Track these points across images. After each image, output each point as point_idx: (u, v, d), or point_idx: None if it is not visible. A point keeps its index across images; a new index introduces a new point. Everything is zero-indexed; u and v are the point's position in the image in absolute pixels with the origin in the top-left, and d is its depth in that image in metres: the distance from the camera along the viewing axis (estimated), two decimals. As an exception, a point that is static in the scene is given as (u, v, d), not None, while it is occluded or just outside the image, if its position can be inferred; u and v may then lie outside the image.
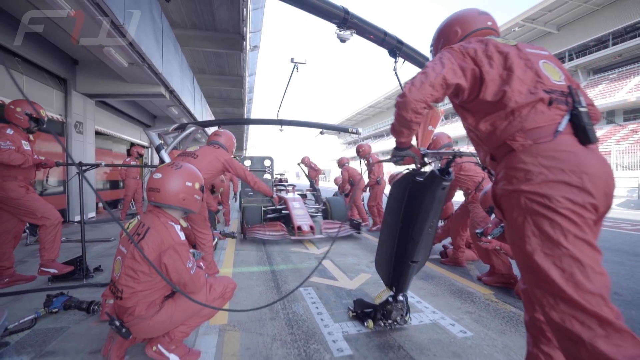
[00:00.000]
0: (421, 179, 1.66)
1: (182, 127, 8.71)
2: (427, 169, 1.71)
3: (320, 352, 1.77)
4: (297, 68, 6.00)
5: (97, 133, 8.20)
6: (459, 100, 1.14)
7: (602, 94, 23.60)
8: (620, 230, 5.96)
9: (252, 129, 37.13)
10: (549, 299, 0.88)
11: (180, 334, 1.62)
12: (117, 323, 1.48)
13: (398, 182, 1.80)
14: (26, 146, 2.79)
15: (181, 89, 8.43)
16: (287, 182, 9.44)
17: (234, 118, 20.01)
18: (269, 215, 5.56)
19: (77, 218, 6.47)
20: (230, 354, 1.76)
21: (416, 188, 1.68)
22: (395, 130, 1.23)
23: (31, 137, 2.93)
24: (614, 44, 23.93)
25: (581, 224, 0.88)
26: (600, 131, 22.61)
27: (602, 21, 23.80)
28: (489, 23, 1.28)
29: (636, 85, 21.90)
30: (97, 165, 3.54)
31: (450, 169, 1.58)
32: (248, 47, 12.29)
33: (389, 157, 1.57)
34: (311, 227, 4.74)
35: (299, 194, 6.65)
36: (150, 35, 5.73)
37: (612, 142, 19.65)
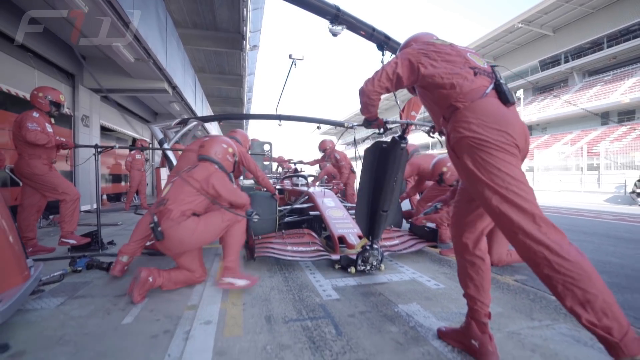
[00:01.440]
0: (385, 145, 2.16)
1: (184, 122, 9.02)
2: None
3: (311, 297, 2.07)
4: (295, 64, 6.29)
5: (102, 128, 8.49)
6: (416, 83, 1.50)
7: (597, 96, 23.98)
8: (600, 219, 6.30)
9: (250, 128, 37.47)
10: (500, 202, 1.16)
11: (232, 264, 2.16)
12: (155, 220, 2.01)
13: (369, 149, 2.27)
14: (49, 128, 3.09)
15: (183, 85, 8.73)
16: (302, 172, 7.21)
17: (233, 114, 20.27)
18: (287, 219, 3.69)
19: (83, 208, 6.75)
20: (234, 297, 2.05)
21: (383, 151, 2.18)
22: (362, 110, 1.69)
23: (52, 120, 3.24)
24: (608, 47, 24.32)
25: (510, 154, 1.20)
26: (595, 132, 22.99)
27: (597, 24, 24.18)
28: (435, 38, 1.64)
29: (630, 87, 22.28)
30: (112, 147, 3.83)
31: (406, 136, 2.12)
32: (248, 46, 12.59)
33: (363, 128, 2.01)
34: (360, 238, 2.97)
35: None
36: (156, 32, 6.03)
37: (606, 142, 19.98)
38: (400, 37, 3.56)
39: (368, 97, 1.54)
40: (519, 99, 25.82)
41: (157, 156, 11.45)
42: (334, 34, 3.08)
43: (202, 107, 12.52)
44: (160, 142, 8.89)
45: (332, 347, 1.45)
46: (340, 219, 3.23)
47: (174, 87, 8.04)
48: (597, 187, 12.47)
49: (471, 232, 1.39)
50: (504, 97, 1.29)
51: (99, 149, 3.54)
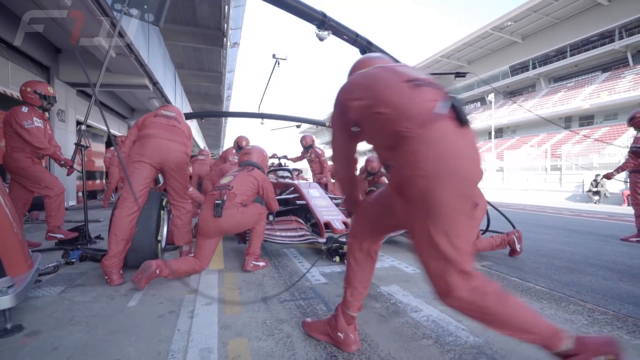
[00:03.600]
0: None
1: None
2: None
3: (301, 281, 2.26)
4: (279, 64, 6.42)
5: (78, 123, 8.24)
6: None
7: (561, 101, 25.59)
8: (560, 215, 6.91)
9: (229, 127, 36.92)
10: (432, 253, 1.04)
11: (257, 250, 2.58)
12: (224, 199, 2.36)
13: None
14: (38, 123, 3.08)
15: (164, 81, 8.63)
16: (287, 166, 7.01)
17: (216, 111, 19.96)
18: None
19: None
20: (230, 283, 2.21)
21: None
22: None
23: (47, 114, 3.25)
24: (571, 55, 26.01)
25: (463, 201, 0.99)
26: (559, 135, 24.55)
27: (561, 34, 25.82)
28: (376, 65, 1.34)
29: (590, 93, 23.96)
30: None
31: None
32: (228, 43, 12.53)
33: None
34: (345, 224, 3.14)
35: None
36: (138, 27, 5.98)
37: (568, 145, 21.39)
38: (381, 40, 3.81)
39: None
40: (490, 102, 27.09)
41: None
42: (321, 39, 3.28)
43: (182, 104, 12.35)
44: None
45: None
46: (325, 207, 3.40)
47: (155, 84, 7.95)
48: (559, 187, 13.42)
49: (376, 239, 1.38)
50: (460, 118, 1.05)
51: (83, 147, 3.54)
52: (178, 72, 13.35)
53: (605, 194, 10.30)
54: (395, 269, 2.60)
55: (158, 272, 2.08)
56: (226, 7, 9.61)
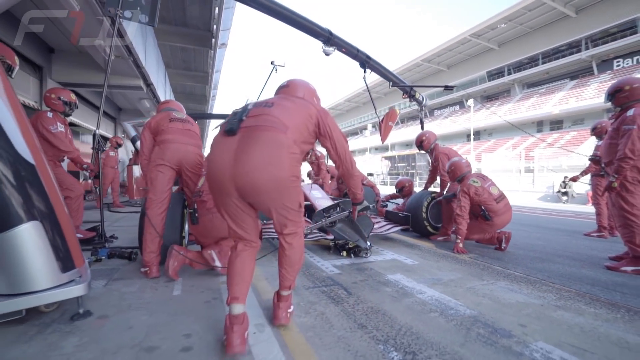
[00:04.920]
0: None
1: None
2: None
3: (318, 272, 2.59)
4: (276, 70, 6.68)
5: (71, 124, 8.16)
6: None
7: (534, 106, 27.06)
8: (533, 214, 7.57)
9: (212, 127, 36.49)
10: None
11: (227, 249, 2.43)
12: (192, 210, 2.42)
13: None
14: (61, 128, 3.23)
15: (157, 82, 8.68)
16: None
17: (212, 113, 19.90)
18: None
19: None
20: (257, 275, 2.50)
21: None
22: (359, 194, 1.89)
23: (67, 120, 3.40)
24: (543, 63, 27.57)
25: (213, 192, 1.48)
26: (532, 138, 25.95)
27: (534, 42, 27.33)
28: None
29: (559, 100, 25.50)
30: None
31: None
32: (217, 44, 12.60)
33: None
34: None
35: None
36: (137, 28, 6.07)
37: (540, 149, 22.70)
38: (365, 43, 4.18)
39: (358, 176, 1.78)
40: (469, 106, 28.26)
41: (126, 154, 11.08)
42: (327, 54, 3.59)
43: (171, 104, 12.30)
44: (133, 140, 8.79)
45: (348, 301, 1.99)
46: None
47: (149, 85, 8.00)
48: (532, 187, 14.37)
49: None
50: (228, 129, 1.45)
51: (101, 149, 3.70)
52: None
53: (572, 195, 11.19)
54: (397, 261, 2.97)
55: (182, 253, 2.34)
56: (216, 8, 9.73)
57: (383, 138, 4.33)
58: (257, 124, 1.42)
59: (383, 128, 4.19)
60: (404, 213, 4.06)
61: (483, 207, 3.33)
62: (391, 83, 4.39)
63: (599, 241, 4.17)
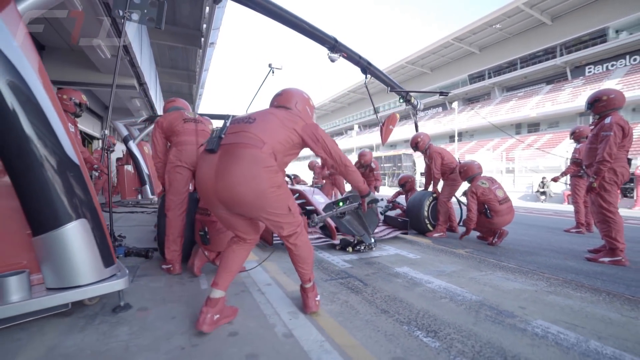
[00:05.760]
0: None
1: (150, 120, 8.91)
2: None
3: (331, 266, 2.77)
4: (273, 72, 6.79)
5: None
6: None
7: (513, 109, 28.16)
8: (517, 213, 7.98)
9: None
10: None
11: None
12: (203, 232, 2.34)
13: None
14: (71, 129, 3.27)
15: (149, 81, 8.61)
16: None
17: (212, 113, 19.59)
18: None
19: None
20: (273, 270, 2.65)
21: None
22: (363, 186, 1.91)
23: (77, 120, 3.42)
24: (521, 67, 28.73)
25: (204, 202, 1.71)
26: (511, 140, 27.04)
27: (512, 47, 28.44)
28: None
29: (536, 103, 26.65)
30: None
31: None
32: (207, 43, 12.54)
33: None
34: None
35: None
36: (136, 30, 6.07)
37: (518, 150, 23.69)
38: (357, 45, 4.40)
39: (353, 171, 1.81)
40: (452, 109, 29.12)
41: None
42: (332, 60, 3.78)
43: (160, 103, 12.17)
44: (125, 139, 8.71)
45: (365, 290, 2.18)
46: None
47: (142, 84, 7.94)
48: (513, 187, 15.06)
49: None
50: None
51: (110, 150, 3.75)
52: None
53: (550, 194, 11.86)
54: (401, 256, 3.20)
55: (207, 253, 2.47)
56: (207, 7, 9.71)
57: (384, 140, 4.59)
58: (235, 142, 1.55)
59: (384, 131, 4.44)
60: (403, 218, 4.26)
61: (486, 206, 3.62)
62: (389, 88, 4.62)
63: (578, 236, 4.55)
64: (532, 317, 1.78)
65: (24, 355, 1.39)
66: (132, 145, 8.26)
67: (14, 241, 1.72)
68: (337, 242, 3.45)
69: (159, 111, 11.67)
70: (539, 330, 1.63)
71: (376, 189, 6.14)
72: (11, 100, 1.57)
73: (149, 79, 8.37)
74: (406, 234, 4.21)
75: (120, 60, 6.27)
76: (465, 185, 4.06)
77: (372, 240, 3.29)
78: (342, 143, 46.06)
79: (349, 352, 1.41)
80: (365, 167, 5.47)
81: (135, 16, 4.07)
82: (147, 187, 7.81)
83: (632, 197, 9.28)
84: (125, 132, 9.05)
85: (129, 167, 8.26)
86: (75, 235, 1.69)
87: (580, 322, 1.73)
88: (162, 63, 14.14)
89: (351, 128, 41.95)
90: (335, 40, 3.73)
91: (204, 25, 10.56)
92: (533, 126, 27.74)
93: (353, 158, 8.02)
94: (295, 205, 1.71)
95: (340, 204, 3.20)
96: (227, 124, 1.65)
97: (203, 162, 1.59)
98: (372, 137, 38.03)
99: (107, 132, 3.56)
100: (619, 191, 3.04)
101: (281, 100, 1.86)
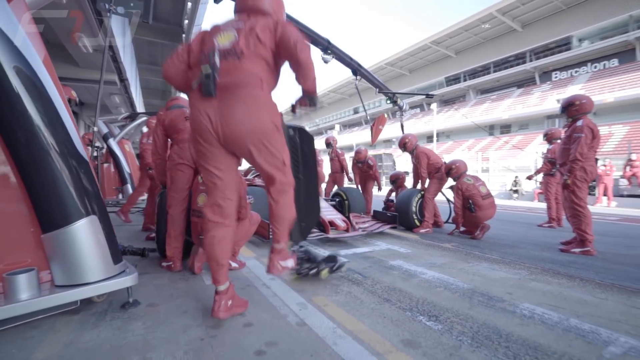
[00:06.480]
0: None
1: (132, 117, 8.67)
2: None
3: (328, 261, 2.87)
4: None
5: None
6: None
7: (487, 111, 29.39)
8: (492, 209, 8.46)
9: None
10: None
11: (237, 249, 2.62)
12: (200, 237, 2.34)
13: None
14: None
15: (130, 78, 8.36)
16: None
17: None
18: None
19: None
20: (274, 265, 2.72)
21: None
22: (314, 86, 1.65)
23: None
24: (494, 71, 30.03)
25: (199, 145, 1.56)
26: (485, 141, 28.23)
27: (485, 52, 29.67)
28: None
29: (508, 106, 27.94)
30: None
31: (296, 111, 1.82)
32: (188, 40, 12.29)
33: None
34: (345, 222, 3.80)
35: None
36: (120, 25, 5.90)
37: (491, 151, 24.78)
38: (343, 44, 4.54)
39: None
40: (431, 110, 30.02)
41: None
42: (325, 62, 3.88)
43: (139, 100, 11.80)
44: (105, 137, 8.41)
45: (366, 282, 2.30)
46: (325, 208, 3.94)
47: (123, 80, 7.70)
48: (488, 186, 15.76)
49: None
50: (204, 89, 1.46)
51: (98, 147, 3.66)
52: (130, 66, 12.67)
53: (522, 192, 12.55)
54: (393, 250, 3.35)
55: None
56: (189, 3, 9.54)
57: (373, 140, 4.77)
58: (234, 82, 1.49)
59: (374, 131, 4.60)
60: (392, 213, 4.47)
61: (471, 201, 3.85)
62: (377, 89, 4.78)
63: (550, 230, 4.92)
64: (519, 301, 1.96)
65: (41, 351, 1.40)
66: (113, 143, 8.01)
67: (21, 239, 1.69)
68: (331, 236, 3.57)
69: (139, 108, 11.32)
70: (527, 312, 1.81)
71: (378, 187, 6.35)
72: (18, 86, 1.54)
73: (130, 75, 8.13)
74: (395, 227, 4.37)
75: (103, 55, 6.08)
76: (450, 183, 4.29)
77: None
78: (323, 143, 46.21)
79: (362, 337, 1.52)
80: (362, 162, 5.68)
81: (121, 9, 4.00)
82: (129, 186, 7.60)
83: (594, 195, 10.01)
84: (105, 130, 8.74)
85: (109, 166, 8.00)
86: (86, 233, 1.69)
87: (560, 304, 1.93)
88: (140, 59, 13.71)
89: (332, 127, 42.23)
90: (329, 42, 3.84)
91: (186, 21, 10.35)
92: (505, 127, 29.07)
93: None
94: (289, 161, 1.69)
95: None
96: (216, 62, 1.48)
97: (200, 107, 1.51)
98: (353, 136, 38.52)
99: (95, 128, 3.50)
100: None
101: (252, 5, 1.69)
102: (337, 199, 4.90)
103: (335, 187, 6.03)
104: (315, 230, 3.67)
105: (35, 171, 1.61)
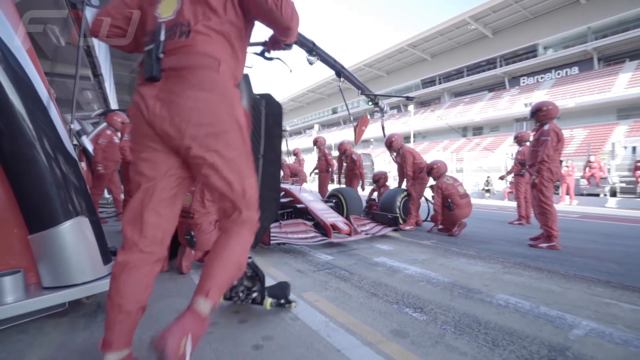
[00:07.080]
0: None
1: (106, 114, 8.36)
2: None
3: (316, 259, 2.95)
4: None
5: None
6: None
7: (460, 114, 30.52)
8: (466, 207, 8.86)
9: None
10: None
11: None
12: (189, 236, 2.38)
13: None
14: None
15: (105, 73, 8.02)
16: None
17: None
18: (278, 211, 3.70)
19: None
20: (264, 264, 2.76)
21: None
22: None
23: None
24: (467, 75, 31.25)
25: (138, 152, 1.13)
26: (458, 142, 29.31)
27: (459, 56, 30.82)
28: None
29: (481, 109, 29.18)
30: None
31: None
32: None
33: None
34: (347, 225, 3.67)
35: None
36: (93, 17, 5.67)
37: (464, 152, 25.81)
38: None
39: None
40: (408, 111, 30.80)
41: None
42: (310, 63, 3.94)
43: (113, 96, 11.33)
44: (78, 134, 8.02)
45: (352, 278, 2.40)
46: (324, 210, 3.85)
47: (97, 75, 7.39)
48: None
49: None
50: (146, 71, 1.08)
51: (76, 146, 3.54)
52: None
53: (493, 192, 13.19)
54: (375, 247, 3.48)
55: (193, 252, 2.52)
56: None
57: (357, 140, 4.90)
58: (181, 65, 1.09)
59: (357, 131, 4.72)
60: (393, 215, 4.35)
61: (449, 200, 4.06)
62: (360, 91, 4.91)
63: (520, 227, 5.25)
64: (494, 292, 2.12)
65: (33, 353, 1.38)
66: (86, 141, 7.67)
67: (6, 240, 1.64)
68: (334, 240, 3.41)
69: (113, 105, 10.87)
70: (502, 302, 1.96)
71: (361, 186, 6.39)
72: (2, 79, 1.48)
73: (104, 70, 7.80)
74: (396, 230, 4.29)
75: (74, 49, 5.82)
76: (430, 183, 4.49)
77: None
78: (302, 142, 46.25)
79: (353, 328, 1.60)
80: (344, 155, 5.96)
81: (95, 1, 3.88)
82: (103, 185, 7.30)
83: (558, 194, 10.70)
84: (77, 127, 8.35)
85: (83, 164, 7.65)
86: (75, 233, 1.67)
87: (531, 294, 2.11)
88: (114, 52, 13.18)
89: (311, 127, 42.34)
90: (314, 44, 3.90)
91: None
92: (477, 129, 30.32)
93: (314, 157, 8.34)
94: (254, 186, 1.21)
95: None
96: (161, 38, 1.09)
97: (142, 92, 1.10)
98: (332, 136, 38.75)
99: (73, 126, 3.36)
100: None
101: None
102: (334, 200, 4.69)
103: (331, 188, 6.05)
104: (317, 234, 3.48)
105: (21, 170, 1.57)
